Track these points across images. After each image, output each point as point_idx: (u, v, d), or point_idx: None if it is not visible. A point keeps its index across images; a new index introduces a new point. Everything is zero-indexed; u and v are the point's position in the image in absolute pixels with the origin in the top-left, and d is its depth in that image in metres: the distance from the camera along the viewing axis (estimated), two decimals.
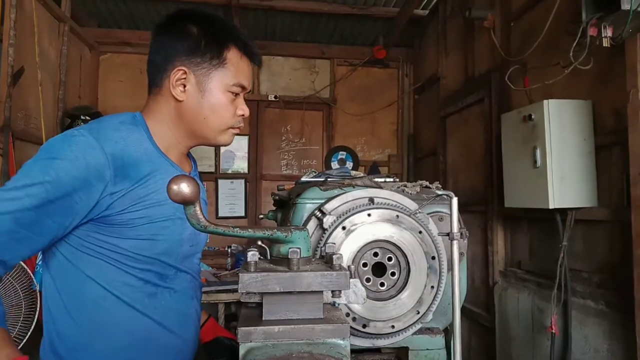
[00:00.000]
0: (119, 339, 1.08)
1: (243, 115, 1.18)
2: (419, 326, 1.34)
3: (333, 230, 1.25)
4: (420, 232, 1.29)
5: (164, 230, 1.11)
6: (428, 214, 1.42)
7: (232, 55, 1.13)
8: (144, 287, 1.11)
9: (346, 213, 1.29)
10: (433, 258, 1.31)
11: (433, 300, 1.32)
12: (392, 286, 1.31)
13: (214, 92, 1.12)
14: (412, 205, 1.37)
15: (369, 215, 1.28)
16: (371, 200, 1.33)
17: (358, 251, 1.27)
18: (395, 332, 1.30)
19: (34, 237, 0.98)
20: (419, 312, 1.31)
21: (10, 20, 3.19)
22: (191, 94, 1.11)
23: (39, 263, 3.24)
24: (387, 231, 1.28)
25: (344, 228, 1.26)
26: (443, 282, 1.33)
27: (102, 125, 1.08)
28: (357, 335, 1.29)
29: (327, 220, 1.27)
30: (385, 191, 1.38)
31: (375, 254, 1.30)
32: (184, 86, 1.11)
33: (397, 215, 1.29)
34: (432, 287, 1.31)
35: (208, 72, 1.11)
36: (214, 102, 1.12)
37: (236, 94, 1.16)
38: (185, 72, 1.10)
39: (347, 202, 1.34)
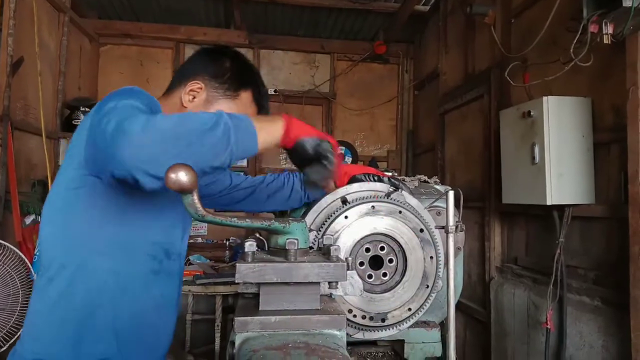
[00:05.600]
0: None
1: None
2: (415, 319, 1.35)
3: (331, 222, 1.26)
4: (421, 230, 1.29)
5: None
6: (426, 208, 1.42)
7: (245, 96, 1.26)
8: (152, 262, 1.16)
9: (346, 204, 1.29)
10: (431, 258, 1.31)
11: (429, 293, 1.32)
12: (389, 279, 1.31)
13: None
14: (414, 202, 1.37)
15: (372, 207, 1.28)
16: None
17: (355, 244, 1.28)
18: (391, 324, 1.31)
19: None
20: (412, 308, 1.31)
21: (9, 9, 3.18)
22: (196, 105, 1.21)
23: (37, 254, 3.25)
24: (384, 224, 1.28)
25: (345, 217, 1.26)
26: (440, 275, 1.33)
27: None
28: (354, 327, 1.30)
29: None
30: (383, 184, 1.38)
31: (368, 250, 1.30)
32: (194, 97, 1.22)
33: (400, 212, 1.29)
34: (428, 280, 1.31)
35: (219, 97, 1.23)
36: None
37: None
38: (201, 87, 1.22)
39: (349, 193, 1.34)
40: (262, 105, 1.32)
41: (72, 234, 1.08)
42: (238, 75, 1.26)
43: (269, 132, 1.01)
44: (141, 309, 1.14)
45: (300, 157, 1.05)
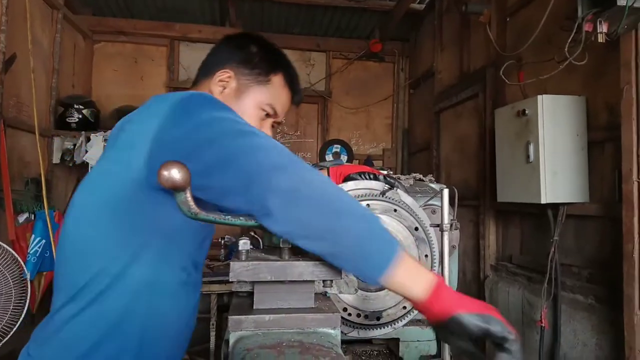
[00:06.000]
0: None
1: None
2: (409, 317, 1.35)
3: None
4: (416, 228, 1.29)
5: None
6: (421, 206, 1.42)
7: (277, 80, 1.20)
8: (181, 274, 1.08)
9: None
10: (426, 256, 1.31)
11: None
12: None
13: (247, 102, 1.16)
14: (409, 201, 1.37)
15: (367, 205, 1.27)
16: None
17: None
18: (386, 323, 1.31)
19: None
20: (406, 306, 1.31)
21: (1, 5, 3.15)
22: (227, 96, 1.15)
23: (31, 252, 3.23)
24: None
25: None
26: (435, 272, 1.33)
27: None
28: (348, 325, 1.29)
29: None
30: (378, 183, 1.38)
31: None
32: (224, 88, 1.15)
33: (395, 210, 1.28)
34: None
35: (250, 84, 1.16)
36: (243, 110, 1.13)
37: (266, 114, 1.19)
38: (230, 76, 1.15)
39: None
40: (295, 89, 1.25)
41: (115, 239, 0.99)
42: (267, 59, 1.19)
43: (412, 273, 0.83)
44: (166, 320, 1.08)
45: (459, 336, 0.82)
